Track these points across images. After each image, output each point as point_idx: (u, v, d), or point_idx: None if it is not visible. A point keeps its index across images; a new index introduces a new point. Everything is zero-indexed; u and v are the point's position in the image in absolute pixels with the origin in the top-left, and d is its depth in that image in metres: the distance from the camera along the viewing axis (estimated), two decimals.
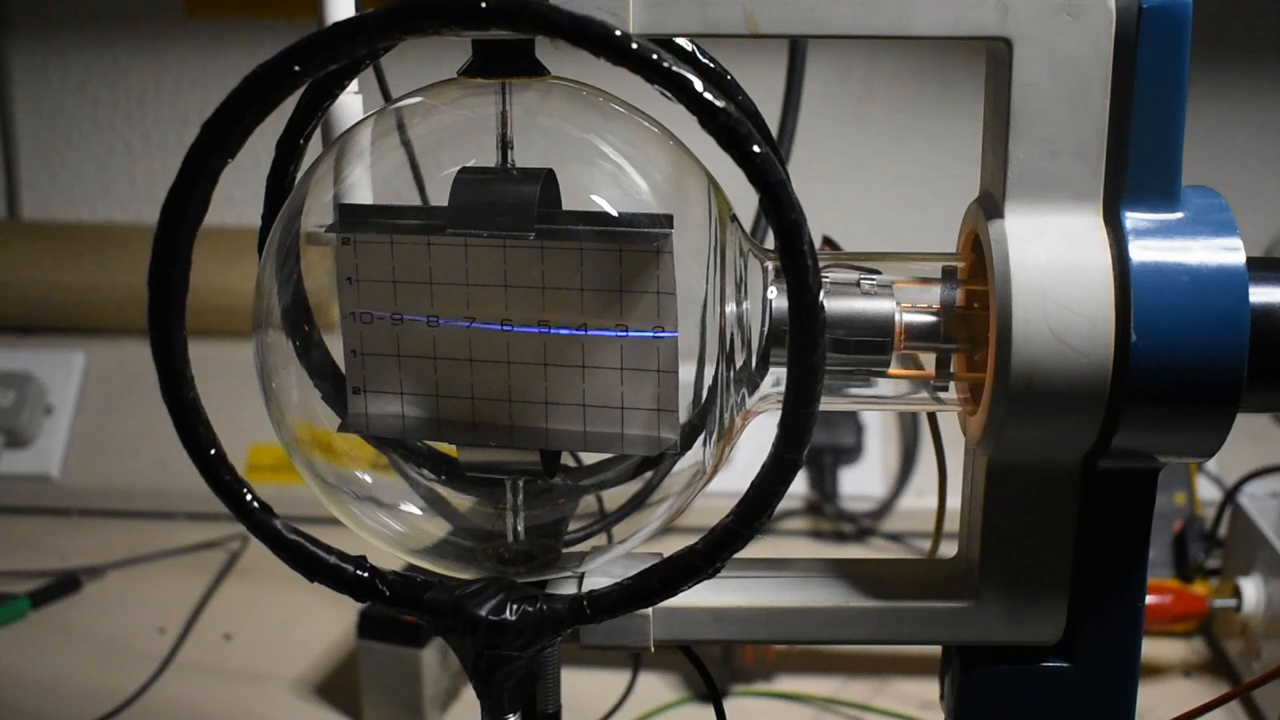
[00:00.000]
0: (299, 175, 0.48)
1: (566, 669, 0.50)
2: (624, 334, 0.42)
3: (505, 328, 0.43)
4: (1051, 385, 0.42)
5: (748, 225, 0.54)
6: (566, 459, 0.48)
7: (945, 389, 0.47)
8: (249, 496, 0.41)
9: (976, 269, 0.46)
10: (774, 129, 0.82)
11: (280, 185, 0.48)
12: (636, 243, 0.41)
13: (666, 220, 0.41)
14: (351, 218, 0.43)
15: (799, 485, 1.01)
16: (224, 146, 0.38)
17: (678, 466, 0.45)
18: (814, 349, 0.38)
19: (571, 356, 0.43)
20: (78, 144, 1.24)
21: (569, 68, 0.44)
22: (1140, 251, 0.42)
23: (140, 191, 1.25)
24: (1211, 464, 0.97)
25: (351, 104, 0.54)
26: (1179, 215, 0.43)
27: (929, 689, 0.80)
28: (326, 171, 0.46)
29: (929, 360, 0.46)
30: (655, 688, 0.81)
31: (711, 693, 0.53)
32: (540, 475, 0.46)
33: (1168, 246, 0.42)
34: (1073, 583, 0.47)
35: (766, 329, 0.45)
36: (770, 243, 0.40)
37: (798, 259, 0.37)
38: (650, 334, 0.42)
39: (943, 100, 1.16)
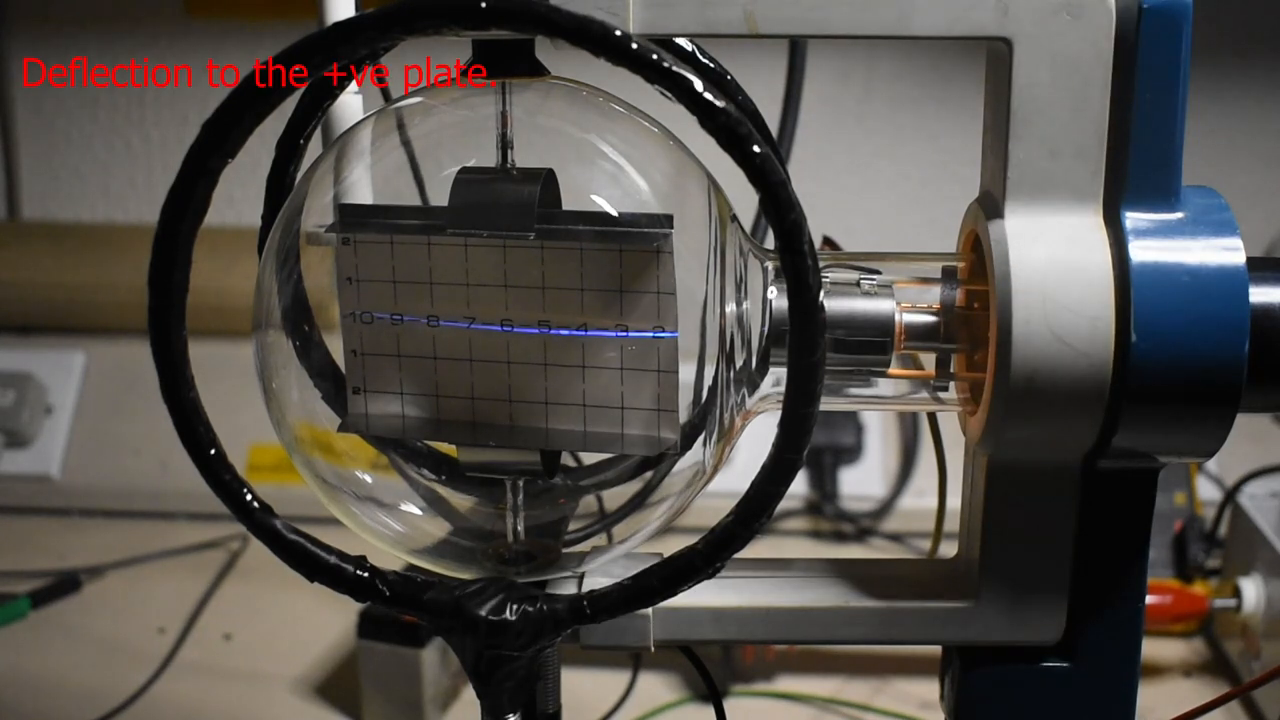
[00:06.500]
0: (299, 175, 0.48)
1: (566, 669, 0.50)
2: (624, 334, 0.42)
3: (505, 328, 0.43)
4: (1051, 385, 0.42)
5: (748, 225, 0.54)
6: (566, 459, 0.48)
7: (945, 389, 0.47)
8: (249, 496, 0.41)
9: (976, 269, 0.46)
10: (774, 129, 0.82)
11: (280, 185, 0.48)
12: (636, 243, 0.41)
13: (666, 220, 0.41)
14: (351, 218, 0.43)
15: (799, 485, 1.01)
16: (224, 146, 0.38)
17: (678, 466, 0.45)
18: (814, 349, 0.38)
19: (571, 356, 0.43)
20: (78, 144, 1.24)
21: (569, 68, 0.44)
22: (1140, 251, 0.42)
23: (140, 191, 1.25)
24: (1211, 464, 0.97)
25: (351, 104, 0.54)
26: (1179, 215, 0.43)
27: (929, 689, 0.80)
28: (326, 171, 0.46)
29: (929, 360, 0.46)
30: (655, 688, 0.81)
31: (711, 693, 0.53)
32: (540, 475, 0.46)
33: (1168, 246, 0.42)
34: (1073, 583, 0.47)
35: (766, 329, 0.45)
36: (770, 243, 0.40)
37: (798, 259, 0.37)
38: (650, 334, 0.42)
39: (943, 100, 1.16)
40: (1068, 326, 0.42)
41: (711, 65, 0.49)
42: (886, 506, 1.01)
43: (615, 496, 0.47)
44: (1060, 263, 0.42)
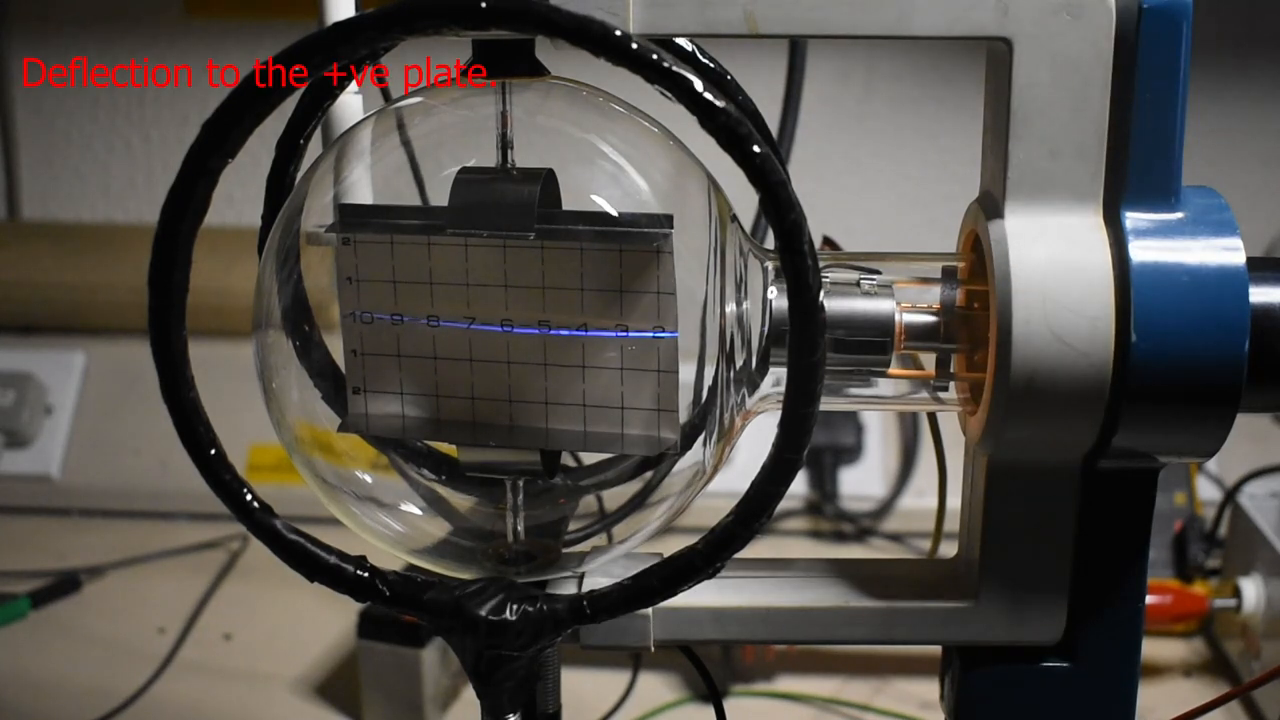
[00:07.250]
0: (299, 175, 0.48)
1: (566, 669, 0.50)
2: (624, 334, 0.42)
3: (505, 328, 0.43)
4: (1051, 385, 0.42)
5: (748, 225, 0.54)
6: (566, 459, 0.48)
7: (945, 389, 0.47)
8: (249, 496, 0.41)
9: (976, 269, 0.46)
10: (774, 129, 0.82)
11: (280, 185, 0.48)
12: (636, 243, 0.41)
13: (666, 220, 0.41)
14: (351, 218, 0.43)
15: (799, 485, 1.01)
16: (224, 146, 0.38)
17: (678, 466, 0.45)
18: (814, 349, 0.38)
19: (571, 356, 0.43)
20: (78, 144, 1.24)
21: (569, 68, 0.44)
22: (1140, 251, 0.42)
23: (140, 191, 1.25)
24: (1211, 464, 0.97)
25: (351, 104, 0.54)
26: (1179, 215, 0.43)
27: (929, 689, 0.80)
28: (326, 171, 0.46)
29: (929, 360, 0.46)
30: (655, 688, 0.81)
31: (711, 693, 0.53)
32: (540, 475, 0.46)
33: (1168, 246, 0.42)
34: (1073, 583, 0.47)
35: (766, 329, 0.45)
36: (770, 243, 0.40)
37: (798, 259, 0.37)
38: (650, 334, 0.42)
39: (943, 100, 1.16)
40: (1068, 326, 0.42)
41: (711, 65, 0.49)
42: (886, 506, 1.01)
43: (615, 496, 0.47)
44: (1060, 263, 0.42)
